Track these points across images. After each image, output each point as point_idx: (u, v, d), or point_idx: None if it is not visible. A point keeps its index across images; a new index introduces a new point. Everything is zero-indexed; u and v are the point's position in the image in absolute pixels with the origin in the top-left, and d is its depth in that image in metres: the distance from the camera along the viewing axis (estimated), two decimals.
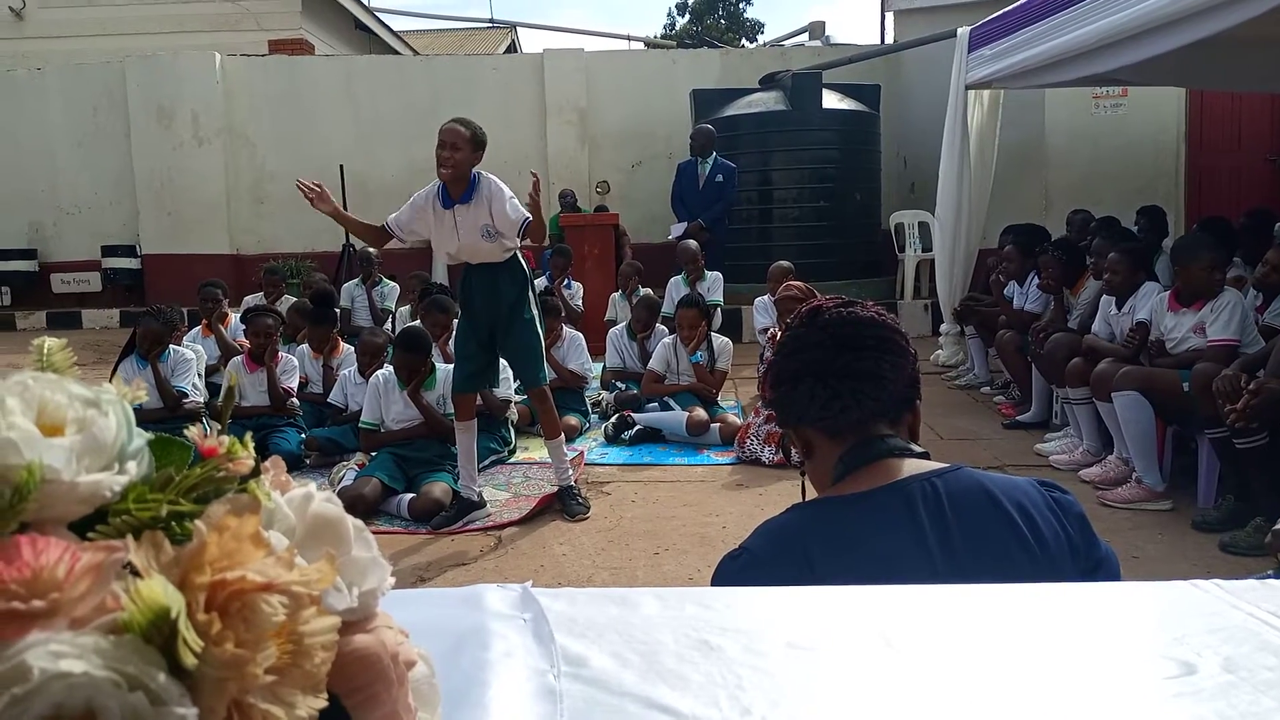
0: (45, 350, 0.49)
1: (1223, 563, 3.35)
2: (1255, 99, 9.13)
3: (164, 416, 4.70)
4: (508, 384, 4.86)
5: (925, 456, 1.24)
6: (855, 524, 1.18)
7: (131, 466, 0.43)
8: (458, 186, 3.79)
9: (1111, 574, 1.19)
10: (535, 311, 4.00)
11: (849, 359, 1.23)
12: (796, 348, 1.28)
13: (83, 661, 0.35)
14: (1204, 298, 3.97)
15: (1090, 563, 1.18)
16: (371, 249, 7.60)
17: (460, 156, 3.73)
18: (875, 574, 1.10)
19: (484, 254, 3.87)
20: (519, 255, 3.97)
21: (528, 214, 3.76)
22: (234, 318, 6.35)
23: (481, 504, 4.06)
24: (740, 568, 1.20)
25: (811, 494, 1.32)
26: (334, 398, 5.23)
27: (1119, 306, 4.47)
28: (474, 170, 3.82)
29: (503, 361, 4.56)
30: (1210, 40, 4.08)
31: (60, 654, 0.35)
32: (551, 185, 10.83)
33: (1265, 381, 3.28)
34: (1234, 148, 9.49)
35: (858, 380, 1.23)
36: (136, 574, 0.38)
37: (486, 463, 4.83)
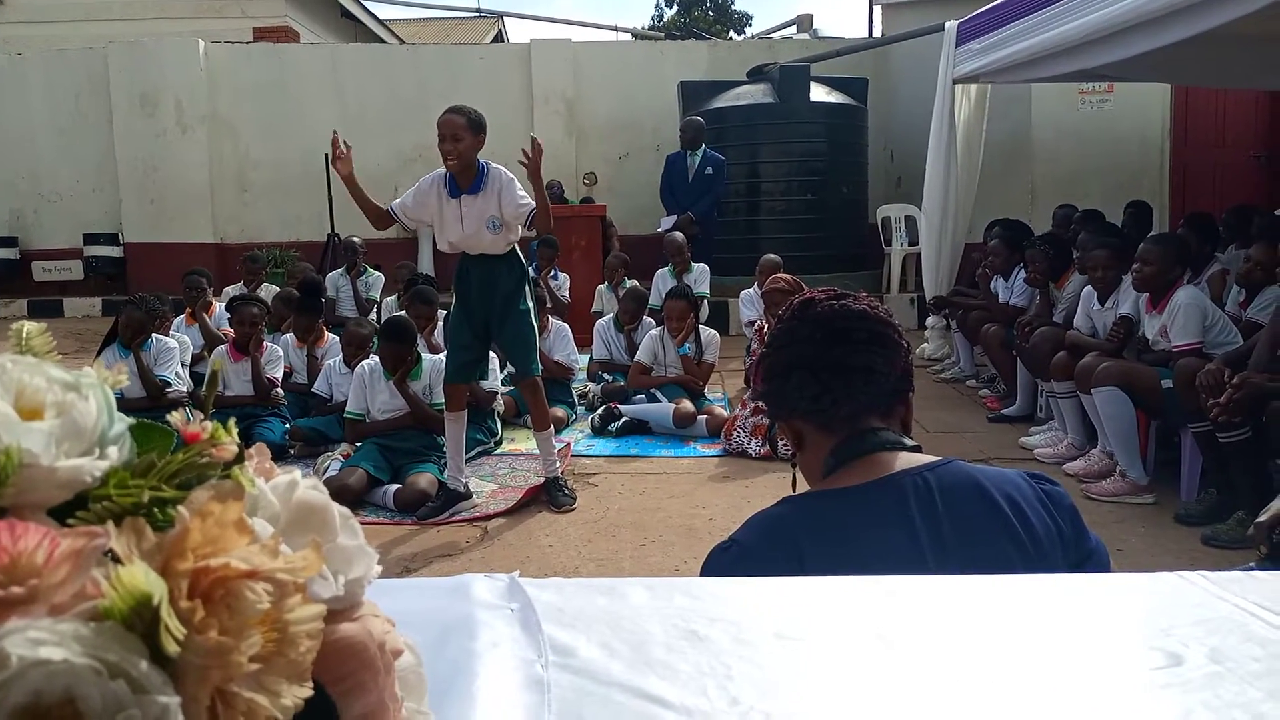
0: (24, 334, 0.48)
1: (1205, 556, 3.38)
2: (1240, 95, 9.20)
3: (147, 406, 4.67)
4: (494, 375, 4.85)
5: (917, 449, 1.24)
6: (847, 518, 1.18)
7: (112, 451, 0.42)
8: (466, 176, 3.79)
9: (1101, 566, 1.20)
10: (530, 303, 4.00)
11: (841, 353, 1.23)
12: (788, 340, 1.27)
13: (62, 649, 0.34)
14: (1155, 295, 4.04)
15: (1080, 554, 1.18)
16: (356, 238, 7.60)
17: (463, 146, 3.71)
18: (866, 568, 1.10)
19: (486, 245, 3.86)
20: (517, 248, 3.97)
21: (533, 202, 3.75)
22: (218, 307, 6.30)
23: (468, 495, 4.05)
24: (730, 560, 1.19)
25: (802, 486, 1.32)
26: (319, 388, 5.21)
27: (1102, 301, 4.50)
28: (482, 160, 3.80)
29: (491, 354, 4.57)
30: (1196, 37, 4.09)
31: (39, 641, 0.34)
32: None
33: (1248, 376, 3.31)
34: (1219, 143, 9.56)
35: (849, 374, 1.23)
36: (117, 560, 0.38)
37: (473, 454, 4.81)
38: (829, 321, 1.25)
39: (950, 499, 1.16)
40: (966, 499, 1.17)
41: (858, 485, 1.20)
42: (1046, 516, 1.18)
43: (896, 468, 1.20)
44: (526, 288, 3.98)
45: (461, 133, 3.70)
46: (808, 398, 1.24)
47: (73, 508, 0.40)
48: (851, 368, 1.23)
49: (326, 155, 9.38)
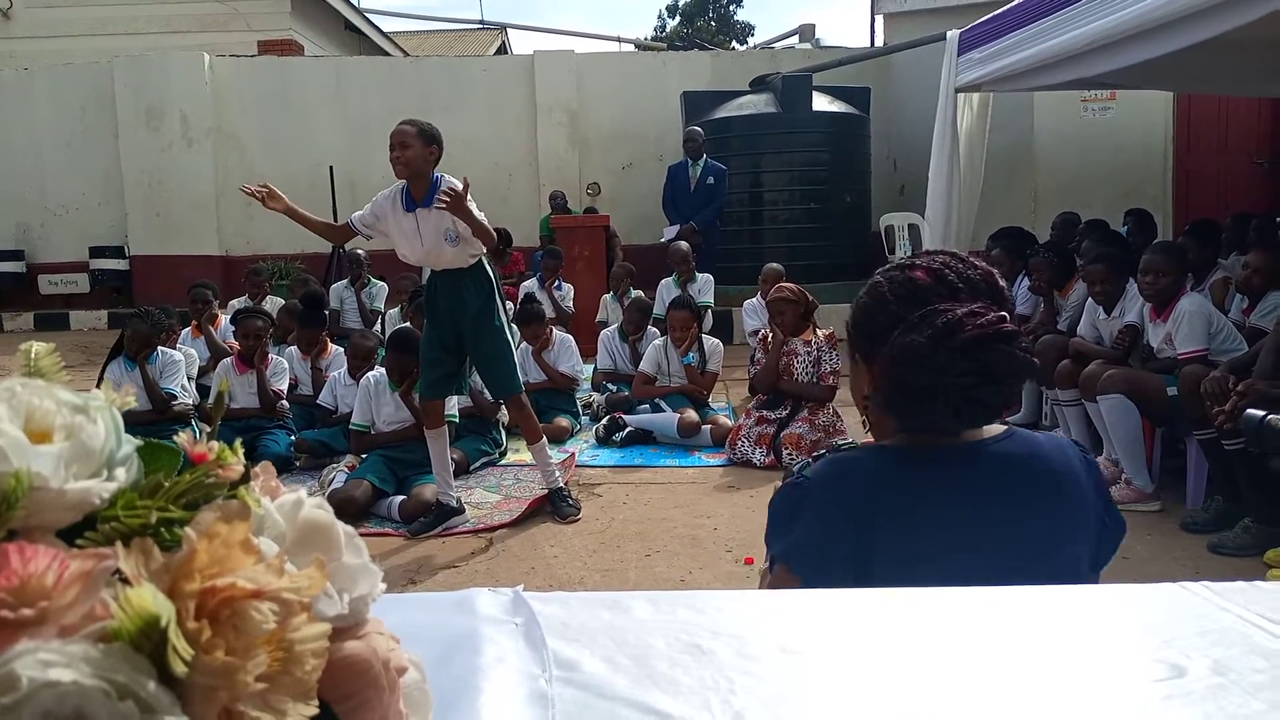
0: (33, 355, 0.48)
1: (1211, 563, 3.37)
2: (1242, 102, 9.19)
3: (153, 419, 4.68)
4: None
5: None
6: (919, 487, 1.24)
7: (120, 473, 0.43)
8: (419, 186, 3.71)
9: (1117, 537, 1.35)
10: (503, 318, 3.93)
11: (988, 392, 1.21)
12: (937, 365, 1.19)
13: (71, 670, 0.35)
14: (1162, 304, 4.02)
15: (1103, 522, 1.32)
16: (360, 251, 7.62)
17: (411, 153, 3.64)
18: (925, 543, 1.21)
19: (447, 259, 3.79)
20: (484, 262, 3.90)
21: (479, 213, 3.66)
22: (224, 319, 6.32)
23: (460, 510, 4.02)
24: (795, 500, 1.27)
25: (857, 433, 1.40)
26: (323, 399, 5.22)
27: (1108, 311, 4.49)
28: (436, 172, 3.73)
29: None
30: (1198, 44, 4.09)
31: (49, 662, 0.34)
32: (542, 187, 10.82)
33: (1253, 383, 3.30)
34: (1221, 150, 9.55)
35: (986, 410, 1.24)
36: (126, 581, 0.38)
37: (478, 464, 4.82)
38: (982, 356, 1.19)
39: (1013, 470, 1.24)
40: (1028, 471, 1.25)
41: (932, 452, 1.25)
42: (1089, 485, 1.29)
43: (968, 437, 1.26)
44: (497, 302, 3.89)
45: (410, 140, 3.64)
46: (935, 419, 1.23)
47: (81, 529, 0.41)
48: (991, 406, 1.23)
49: (331, 167, 9.44)
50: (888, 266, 1.37)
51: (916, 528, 1.23)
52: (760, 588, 1.38)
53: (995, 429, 1.28)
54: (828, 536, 1.25)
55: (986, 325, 1.19)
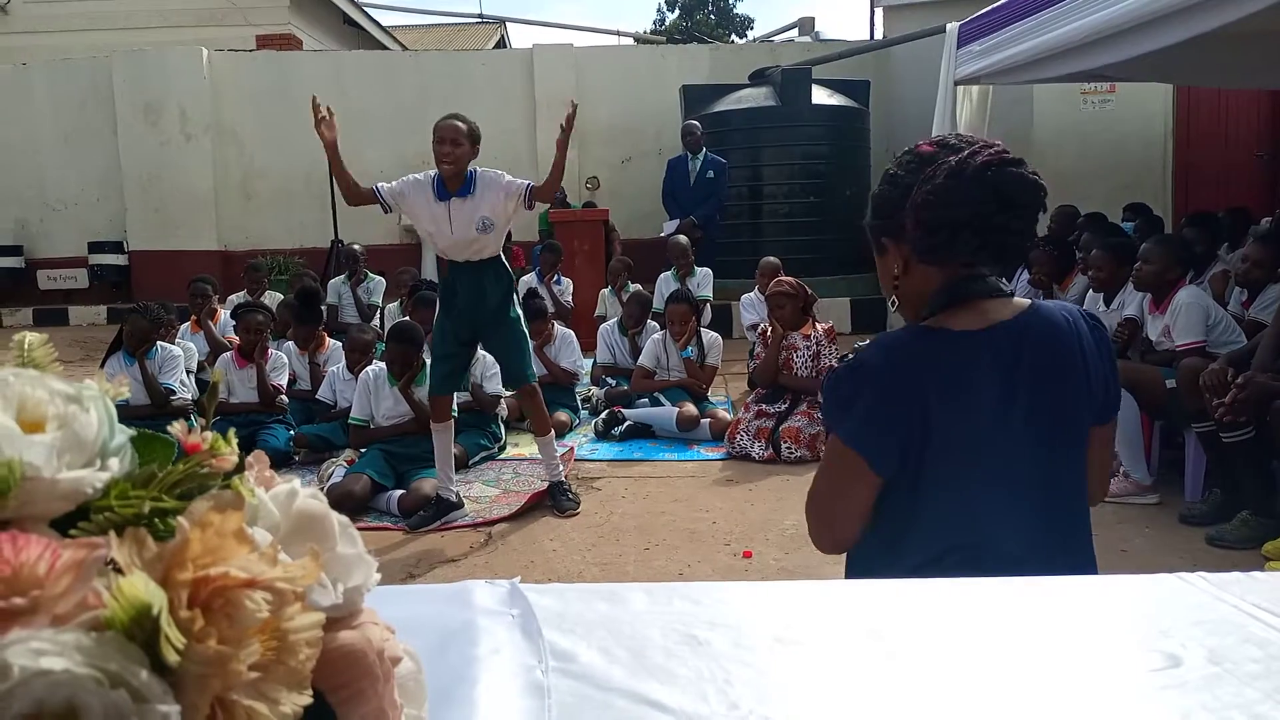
0: (26, 346, 0.48)
1: (1209, 556, 3.37)
2: (1242, 95, 9.18)
3: (151, 414, 4.67)
4: (497, 380, 4.85)
5: (1011, 295, 1.41)
6: (965, 365, 1.34)
7: (114, 463, 0.43)
8: (455, 181, 3.80)
9: (1114, 409, 1.44)
10: (519, 310, 4.04)
11: (1007, 219, 1.32)
12: (957, 199, 1.31)
13: (64, 659, 0.35)
14: (1159, 296, 4.02)
15: (1111, 394, 1.41)
16: (357, 245, 7.62)
17: (461, 152, 3.76)
18: (974, 417, 1.31)
19: (475, 249, 3.86)
20: (503, 255, 3.99)
21: (526, 180, 3.82)
22: (223, 314, 6.32)
23: (459, 504, 4.04)
24: (855, 382, 1.36)
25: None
26: (322, 394, 5.21)
27: (1107, 303, 4.49)
28: (471, 167, 3.83)
29: (490, 358, 4.58)
30: (1197, 37, 4.09)
31: (41, 651, 0.34)
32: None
33: (1252, 376, 3.30)
34: (1221, 143, 9.54)
35: (1007, 237, 1.33)
36: (119, 571, 0.38)
37: (477, 459, 4.82)
38: (1002, 185, 1.31)
39: (1037, 347, 1.35)
40: (1050, 347, 1.36)
41: (973, 332, 1.35)
42: (1100, 357, 1.39)
43: (996, 317, 1.36)
44: (515, 294, 4.02)
45: (461, 138, 3.75)
46: (966, 252, 1.33)
47: (74, 519, 0.41)
48: (1012, 231, 1.33)
49: (329, 163, 9.41)
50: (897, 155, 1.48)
51: (965, 405, 1.32)
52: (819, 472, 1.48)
53: (1019, 304, 1.38)
54: (892, 412, 1.34)
55: (992, 155, 1.33)
